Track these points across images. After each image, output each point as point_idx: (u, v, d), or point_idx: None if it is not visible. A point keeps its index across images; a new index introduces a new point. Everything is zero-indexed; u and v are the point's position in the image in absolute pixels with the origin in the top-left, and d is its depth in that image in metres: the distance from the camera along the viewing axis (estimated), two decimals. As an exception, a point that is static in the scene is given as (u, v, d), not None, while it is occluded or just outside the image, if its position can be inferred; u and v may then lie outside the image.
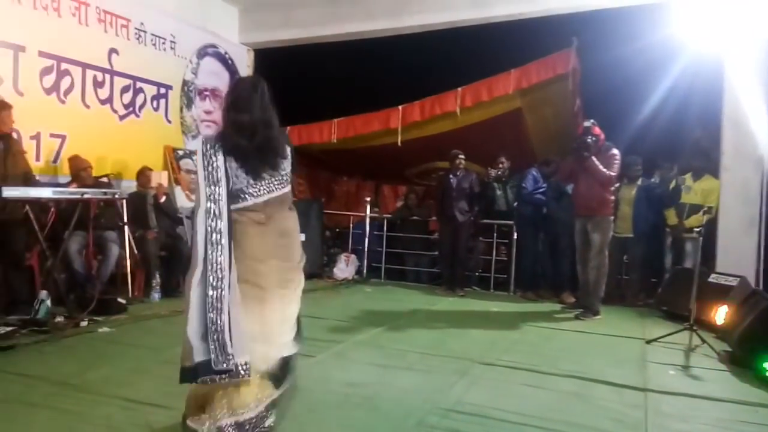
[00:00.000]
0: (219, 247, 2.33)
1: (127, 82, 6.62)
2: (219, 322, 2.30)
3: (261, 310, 2.44)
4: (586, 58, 6.97)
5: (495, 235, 7.51)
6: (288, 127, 8.10)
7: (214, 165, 2.40)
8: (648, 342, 4.75)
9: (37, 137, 5.56)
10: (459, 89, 7.31)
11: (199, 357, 2.31)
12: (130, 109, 6.69)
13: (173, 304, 5.39)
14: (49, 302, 4.46)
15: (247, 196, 2.46)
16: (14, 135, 4.94)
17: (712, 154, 6.45)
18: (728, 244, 6.00)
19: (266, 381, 2.47)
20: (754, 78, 5.97)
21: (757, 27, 5.91)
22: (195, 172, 6.91)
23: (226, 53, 8.11)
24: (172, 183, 6.97)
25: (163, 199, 6.22)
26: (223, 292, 2.32)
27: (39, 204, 4.62)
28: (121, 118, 6.58)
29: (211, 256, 2.33)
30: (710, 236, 5.81)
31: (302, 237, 2.76)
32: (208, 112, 7.81)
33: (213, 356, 2.29)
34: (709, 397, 3.46)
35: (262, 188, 2.49)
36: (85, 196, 4.79)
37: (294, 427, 2.71)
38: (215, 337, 2.30)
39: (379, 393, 3.28)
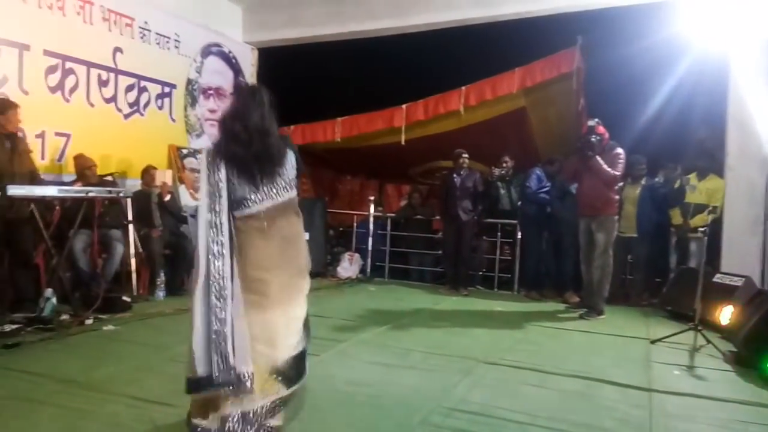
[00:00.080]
0: (221, 258, 2.36)
1: (132, 80, 6.63)
2: (222, 333, 2.33)
3: (264, 316, 2.45)
4: (590, 57, 6.96)
5: (499, 234, 7.50)
6: (292, 126, 8.14)
7: (217, 176, 2.43)
8: (652, 342, 4.74)
9: (41, 136, 5.58)
10: (463, 88, 7.31)
11: (201, 369, 2.34)
12: (135, 107, 6.70)
13: (178, 302, 5.41)
14: (54, 300, 4.47)
15: (249, 203, 2.48)
16: (20, 134, 4.95)
17: (716, 154, 6.43)
18: (733, 244, 5.98)
19: (274, 378, 2.47)
20: (760, 78, 5.94)
21: (762, 26, 5.89)
22: (199, 171, 6.93)
23: (230, 52, 8.12)
24: (176, 181, 6.98)
25: (167, 197, 6.24)
26: (226, 303, 2.34)
27: (44, 202, 4.63)
28: (126, 116, 6.59)
29: (213, 267, 2.36)
30: (715, 236, 5.79)
31: (306, 236, 2.76)
32: (212, 111, 7.82)
33: (215, 368, 2.32)
34: (714, 398, 3.45)
35: (263, 195, 2.50)
36: (90, 194, 4.80)
37: (298, 425, 2.72)
38: (218, 348, 2.33)
39: (383, 392, 3.29)
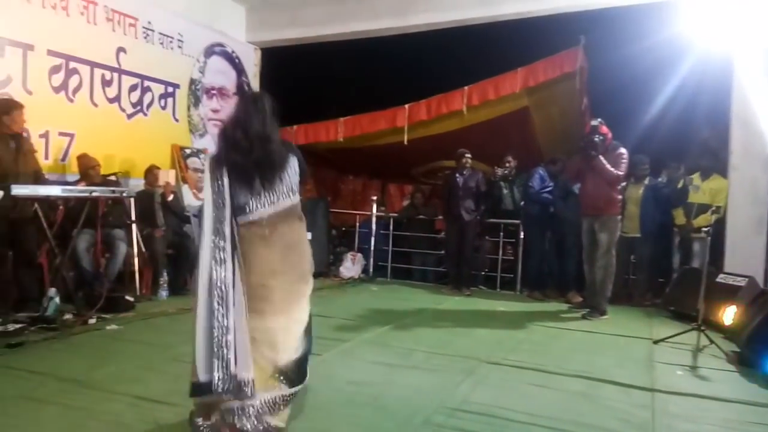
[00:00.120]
0: (223, 264, 2.39)
1: (135, 80, 6.65)
2: (224, 340, 2.35)
3: (266, 323, 2.49)
4: (593, 56, 6.96)
5: (501, 234, 7.49)
6: (295, 126, 8.14)
7: (220, 184, 2.46)
8: (655, 342, 4.73)
9: (45, 136, 5.60)
10: (466, 88, 7.30)
11: (202, 375, 2.37)
12: (138, 107, 6.72)
13: (181, 301, 5.42)
14: (57, 300, 4.48)
15: (250, 210, 2.49)
16: (24, 134, 4.96)
17: (720, 154, 6.41)
18: (736, 244, 5.96)
19: (276, 378, 2.48)
20: (763, 77, 5.92)
21: (766, 25, 5.87)
22: (202, 171, 6.94)
23: (233, 52, 8.13)
24: (179, 181, 7.00)
25: (170, 197, 6.25)
26: (228, 309, 2.37)
27: (48, 202, 4.65)
28: (129, 116, 6.61)
29: (215, 274, 2.38)
30: (718, 236, 5.77)
31: (308, 236, 2.77)
32: (215, 111, 7.84)
33: (216, 375, 2.34)
34: (717, 398, 3.44)
35: (265, 202, 2.51)
36: (94, 194, 4.81)
37: (300, 425, 2.72)
38: (219, 355, 2.35)
39: (386, 392, 3.29)
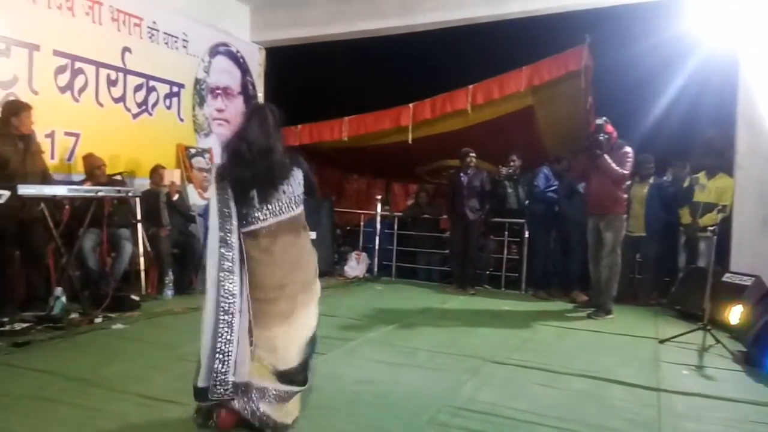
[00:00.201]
0: (230, 275, 2.47)
1: (140, 80, 6.67)
2: (225, 351, 2.44)
3: (268, 333, 2.57)
4: (598, 55, 6.93)
5: (506, 233, 7.48)
6: (299, 126, 8.15)
7: (225, 194, 2.53)
8: (661, 341, 4.72)
9: (51, 135, 5.62)
10: (470, 87, 7.29)
11: (202, 382, 2.46)
12: (143, 107, 6.74)
13: (186, 301, 5.44)
14: (64, 299, 4.50)
15: (253, 220, 2.56)
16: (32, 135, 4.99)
17: (725, 153, 6.38)
18: (742, 243, 5.94)
19: (270, 372, 2.57)
20: (770, 75, 5.90)
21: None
22: (207, 171, 6.99)
23: (237, 52, 8.15)
24: (184, 181, 7.02)
25: (175, 196, 6.27)
26: (233, 319, 2.45)
27: (54, 202, 4.67)
28: (135, 116, 6.63)
29: (222, 283, 2.46)
30: (724, 235, 5.75)
31: (313, 235, 2.81)
32: (220, 111, 7.86)
33: (213, 383, 2.43)
34: (723, 398, 3.43)
35: (267, 212, 2.58)
36: (100, 194, 4.83)
37: (305, 423, 2.73)
38: (220, 365, 2.43)
39: (390, 391, 3.29)
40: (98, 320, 4.62)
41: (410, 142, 7.71)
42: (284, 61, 8.82)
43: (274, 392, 2.54)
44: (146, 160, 6.50)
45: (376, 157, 9.15)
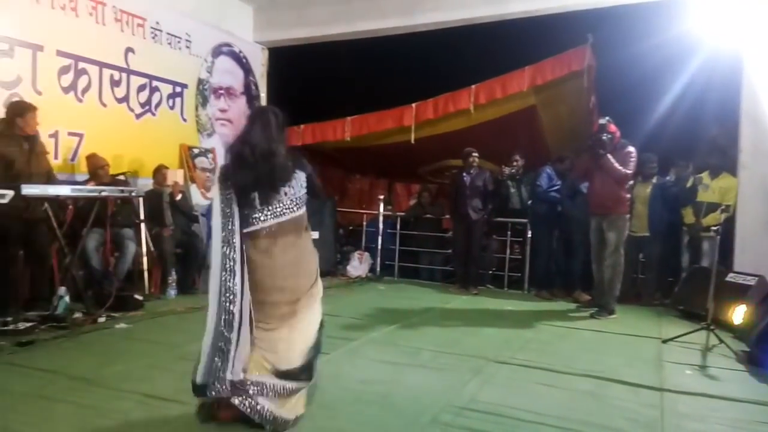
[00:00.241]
0: (232, 274, 2.52)
1: (144, 81, 6.68)
2: (225, 349, 2.50)
3: (270, 335, 2.61)
4: (601, 54, 6.92)
5: (509, 233, 7.47)
6: (302, 126, 8.16)
7: (228, 195, 2.58)
8: (664, 341, 4.71)
9: (55, 136, 5.63)
10: (473, 87, 7.29)
11: (200, 378, 2.53)
12: (147, 107, 6.75)
13: (189, 300, 5.45)
14: (67, 299, 4.52)
15: (254, 221, 2.61)
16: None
17: (729, 152, 6.36)
18: (746, 243, 5.92)
19: (267, 369, 2.59)
20: (774, 74, 5.87)
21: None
22: (210, 171, 7.03)
23: (240, 52, 8.16)
24: (187, 181, 7.04)
25: (179, 196, 6.28)
26: (233, 318, 2.50)
27: (57, 202, 4.68)
28: (138, 116, 6.64)
29: (225, 282, 2.52)
30: (728, 235, 5.73)
31: (315, 235, 2.84)
32: (223, 111, 7.87)
33: (211, 381, 2.50)
34: (727, 398, 3.42)
35: (268, 214, 2.62)
36: (103, 194, 4.84)
37: (308, 423, 2.73)
38: (218, 364, 2.50)
39: (393, 390, 3.29)
40: (101, 320, 4.63)
41: (413, 142, 7.71)
42: (287, 61, 8.82)
43: (273, 387, 2.57)
44: (149, 160, 6.52)
45: (379, 157, 9.15)
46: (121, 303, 4.96)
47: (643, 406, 3.22)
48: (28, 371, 3.36)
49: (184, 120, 7.33)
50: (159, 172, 6.29)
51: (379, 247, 8.24)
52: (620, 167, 5.52)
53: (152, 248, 5.84)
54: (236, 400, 2.53)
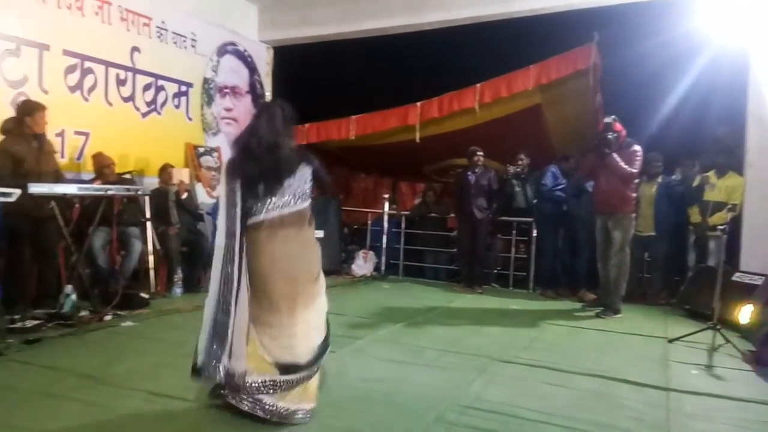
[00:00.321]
0: (233, 263, 2.57)
1: (149, 80, 6.71)
2: (221, 333, 2.56)
3: (269, 324, 2.64)
4: (607, 53, 6.89)
5: (514, 232, 7.46)
6: (306, 125, 8.16)
7: (233, 187, 2.62)
8: (670, 341, 4.69)
9: (61, 135, 5.67)
10: (478, 85, 7.27)
11: (199, 359, 2.61)
12: (152, 106, 6.78)
13: (195, 299, 5.46)
14: (74, 297, 4.53)
15: (257, 212, 2.64)
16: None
17: (735, 151, 6.33)
18: (753, 242, 5.89)
19: (268, 363, 2.61)
20: (781, 73, 5.84)
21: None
22: (215, 169, 7.05)
23: (245, 51, 8.18)
24: (193, 180, 7.06)
25: (184, 195, 6.30)
26: (230, 305, 2.56)
27: (64, 200, 4.71)
28: (144, 115, 6.67)
29: (226, 270, 2.57)
30: (734, 234, 5.71)
31: (320, 234, 2.85)
32: (228, 110, 7.90)
33: (207, 362, 2.56)
34: (733, 397, 3.41)
35: (272, 205, 2.65)
36: (109, 192, 4.86)
37: (313, 421, 2.74)
38: (215, 347, 2.56)
39: (398, 389, 3.29)
40: (108, 318, 4.65)
41: (418, 140, 7.70)
42: (292, 60, 8.84)
43: (273, 384, 2.60)
44: (155, 158, 6.54)
45: (384, 155, 9.15)
46: (127, 301, 4.98)
47: (649, 406, 3.21)
48: (34, 369, 3.38)
49: (190, 119, 7.35)
50: (165, 171, 6.31)
51: (384, 246, 8.24)
52: (626, 166, 5.50)
53: (158, 247, 5.86)
54: (233, 400, 2.60)
